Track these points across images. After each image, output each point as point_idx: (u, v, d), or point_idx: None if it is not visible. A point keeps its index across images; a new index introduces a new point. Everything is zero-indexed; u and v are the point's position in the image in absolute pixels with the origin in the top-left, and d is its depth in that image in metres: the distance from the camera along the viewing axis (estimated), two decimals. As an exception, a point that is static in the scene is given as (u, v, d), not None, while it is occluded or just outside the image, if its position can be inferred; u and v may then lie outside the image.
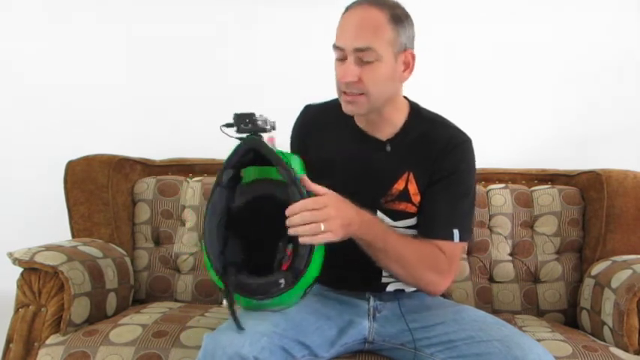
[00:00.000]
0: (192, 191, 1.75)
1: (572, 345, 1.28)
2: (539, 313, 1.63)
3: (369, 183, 1.21)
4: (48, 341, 1.32)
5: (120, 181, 1.72)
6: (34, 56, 2.20)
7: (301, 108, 1.36)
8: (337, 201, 1.01)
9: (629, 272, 1.38)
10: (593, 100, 2.13)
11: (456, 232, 1.17)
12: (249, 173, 1.09)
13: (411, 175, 1.20)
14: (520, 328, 1.41)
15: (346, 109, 1.16)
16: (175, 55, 2.18)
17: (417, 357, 1.12)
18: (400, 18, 1.12)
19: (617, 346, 1.33)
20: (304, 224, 0.95)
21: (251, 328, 0.98)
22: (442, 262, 1.15)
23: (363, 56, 1.09)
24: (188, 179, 1.79)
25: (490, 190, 1.73)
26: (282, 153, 1.05)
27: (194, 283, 1.68)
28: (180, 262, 1.71)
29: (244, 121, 1.04)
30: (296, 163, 1.08)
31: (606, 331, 1.39)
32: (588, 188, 1.67)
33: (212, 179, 1.76)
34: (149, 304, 1.59)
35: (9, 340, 1.34)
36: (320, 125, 1.30)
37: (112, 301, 1.50)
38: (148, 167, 1.81)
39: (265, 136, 1.06)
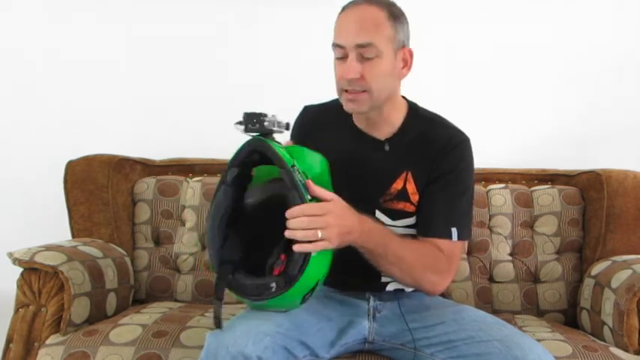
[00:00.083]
0: (193, 191, 1.75)
1: (572, 345, 1.28)
2: (539, 313, 1.63)
3: (368, 182, 1.21)
4: (48, 341, 1.32)
5: (120, 181, 1.72)
6: (34, 56, 2.20)
7: (301, 108, 1.36)
8: (340, 208, 1.00)
9: (629, 272, 1.38)
10: (593, 100, 2.13)
11: (454, 230, 1.17)
12: (265, 172, 1.07)
13: (410, 175, 1.20)
14: (520, 328, 1.41)
15: (347, 107, 1.16)
16: (175, 55, 2.18)
17: (416, 357, 1.12)
18: (397, 15, 1.14)
19: (617, 346, 1.33)
20: (301, 229, 0.95)
21: (254, 328, 0.98)
22: (441, 262, 1.15)
23: (364, 52, 1.10)
24: (188, 179, 1.79)
25: (490, 190, 1.73)
26: (302, 151, 1.05)
27: (194, 283, 1.68)
28: (180, 262, 1.71)
29: (252, 121, 1.02)
30: (316, 163, 1.07)
31: (606, 331, 1.39)
32: (588, 188, 1.67)
33: (212, 179, 1.78)
34: (149, 304, 1.59)
35: (9, 340, 1.34)
36: (319, 126, 1.30)
37: (112, 301, 1.50)
38: (148, 167, 1.81)
39: (277, 137, 1.05)
